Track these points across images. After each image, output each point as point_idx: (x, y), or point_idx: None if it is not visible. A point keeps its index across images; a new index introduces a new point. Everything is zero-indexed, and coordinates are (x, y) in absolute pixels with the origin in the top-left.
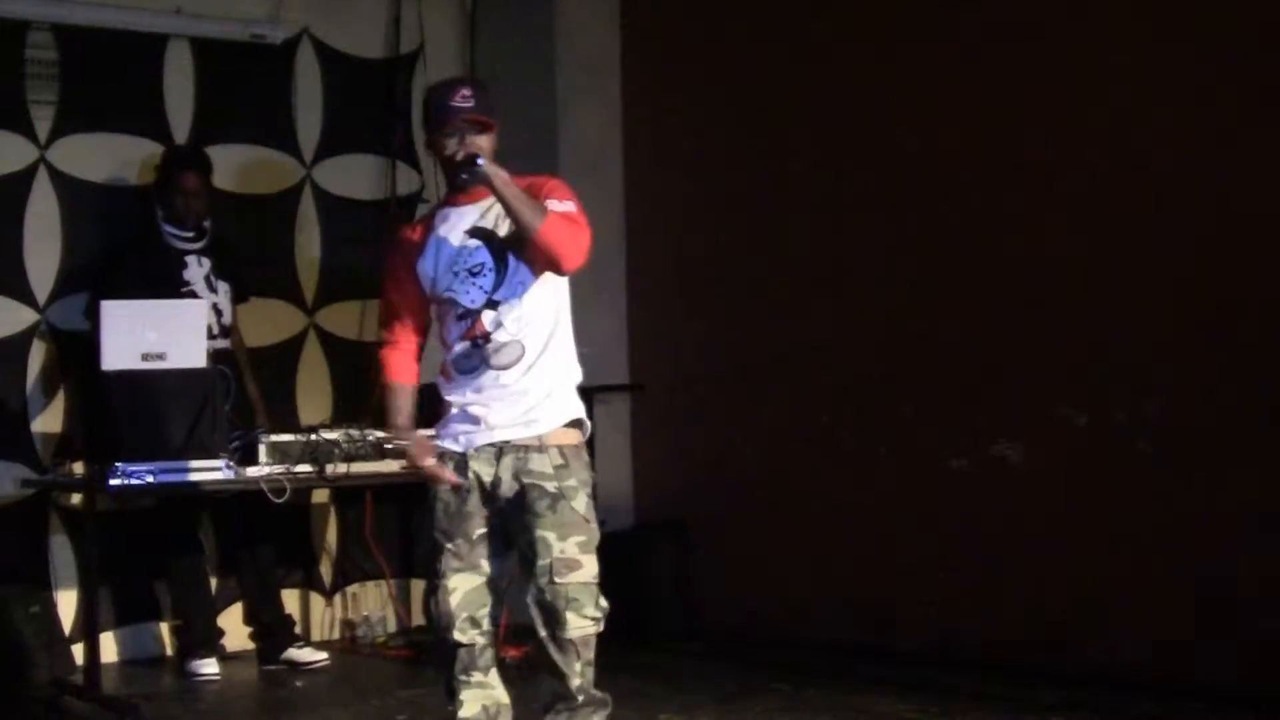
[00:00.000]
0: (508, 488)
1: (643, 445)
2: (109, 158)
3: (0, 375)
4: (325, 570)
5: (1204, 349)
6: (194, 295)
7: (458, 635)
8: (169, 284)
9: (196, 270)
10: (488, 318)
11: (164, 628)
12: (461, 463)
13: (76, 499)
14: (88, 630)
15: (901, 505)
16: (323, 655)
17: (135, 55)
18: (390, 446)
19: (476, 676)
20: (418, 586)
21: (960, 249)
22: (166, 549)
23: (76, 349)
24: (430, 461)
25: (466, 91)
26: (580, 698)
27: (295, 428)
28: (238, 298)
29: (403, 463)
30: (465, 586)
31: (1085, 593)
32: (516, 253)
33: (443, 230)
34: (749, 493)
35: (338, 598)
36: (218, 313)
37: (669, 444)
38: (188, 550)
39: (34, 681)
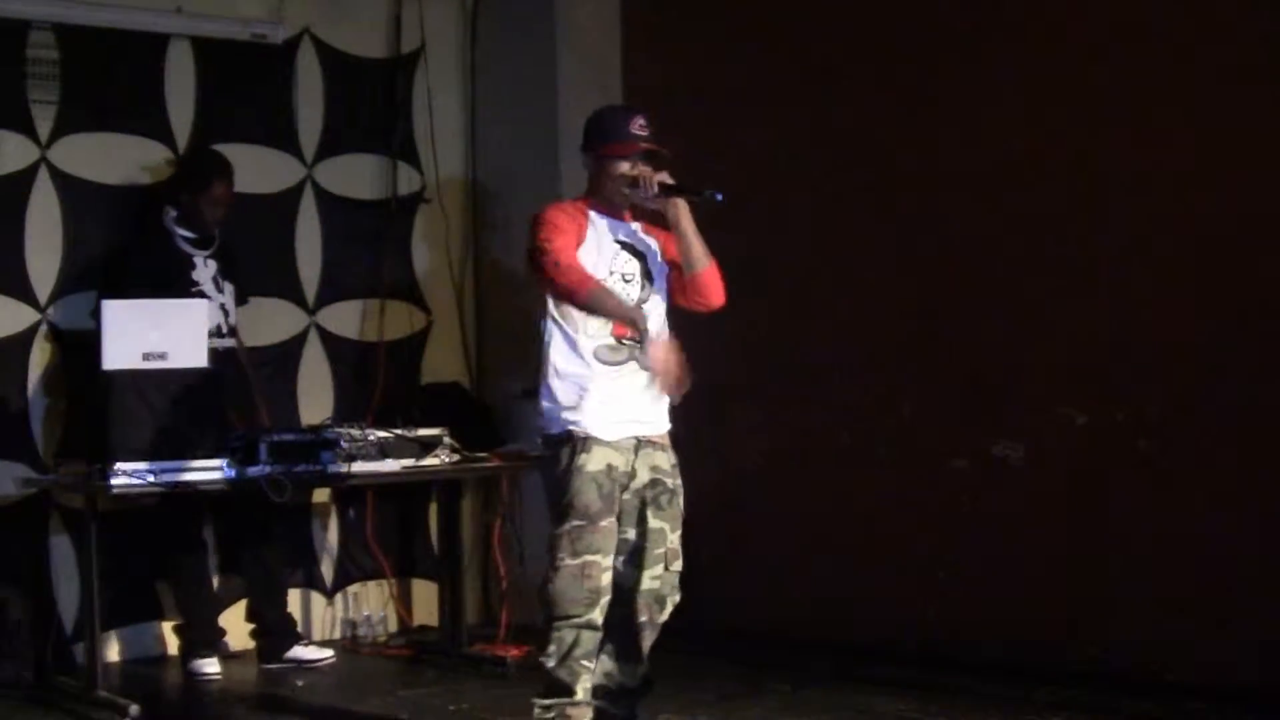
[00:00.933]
0: (642, 478)
1: None
2: (110, 157)
3: (1, 375)
4: (326, 570)
5: (1204, 349)
6: (203, 295)
7: (599, 615)
8: (178, 284)
9: (204, 271)
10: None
11: (165, 627)
12: (605, 448)
13: (77, 499)
14: (88, 630)
15: (901, 505)
16: (328, 653)
17: (136, 55)
18: (641, 331)
19: (593, 662)
20: (418, 586)
21: (961, 249)
22: (168, 548)
23: (78, 348)
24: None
25: (643, 121)
26: (643, 669)
27: (296, 427)
28: (242, 299)
29: (405, 463)
30: (613, 564)
31: (1085, 593)
32: (663, 272)
33: (602, 228)
34: (749, 493)
35: (338, 597)
36: (225, 312)
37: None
38: (190, 550)
39: (34, 681)
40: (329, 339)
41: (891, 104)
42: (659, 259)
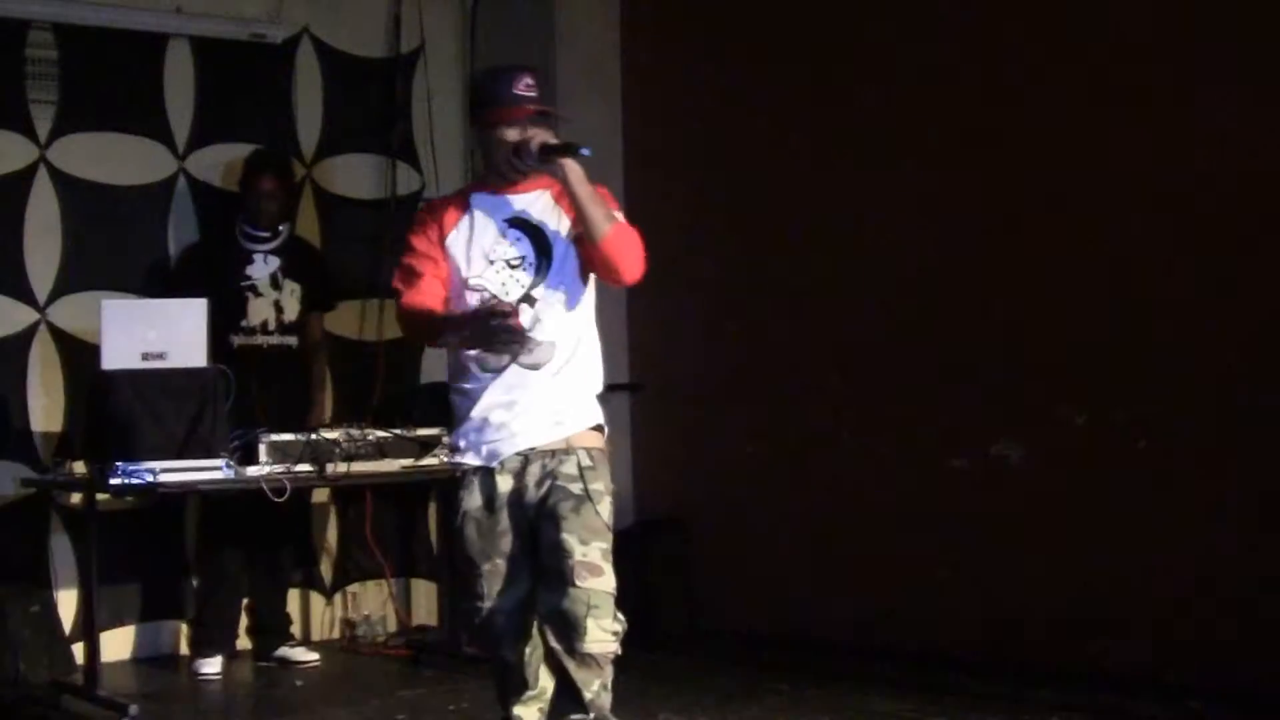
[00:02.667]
0: (533, 494)
1: (643, 445)
2: (109, 157)
3: (1, 375)
4: (325, 570)
5: (1204, 349)
6: (254, 290)
7: (508, 654)
8: (227, 277)
9: (262, 267)
10: (525, 315)
11: (171, 626)
12: (486, 477)
13: (77, 498)
14: (87, 630)
15: (901, 505)
16: (314, 656)
17: (136, 54)
18: (456, 337)
19: (528, 693)
20: (418, 586)
21: (960, 249)
22: (200, 545)
23: (77, 348)
24: (511, 317)
25: (530, 80)
26: (592, 714)
27: (295, 427)
28: (314, 304)
29: (404, 463)
30: (509, 606)
31: (1085, 593)
32: (564, 248)
33: (480, 214)
34: (749, 493)
35: (338, 597)
36: (278, 309)
37: (669, 444)
38: (222, 550)
39: (34, 681)
40: (328, 338)
41: (892, 103)
42: (563, 231)
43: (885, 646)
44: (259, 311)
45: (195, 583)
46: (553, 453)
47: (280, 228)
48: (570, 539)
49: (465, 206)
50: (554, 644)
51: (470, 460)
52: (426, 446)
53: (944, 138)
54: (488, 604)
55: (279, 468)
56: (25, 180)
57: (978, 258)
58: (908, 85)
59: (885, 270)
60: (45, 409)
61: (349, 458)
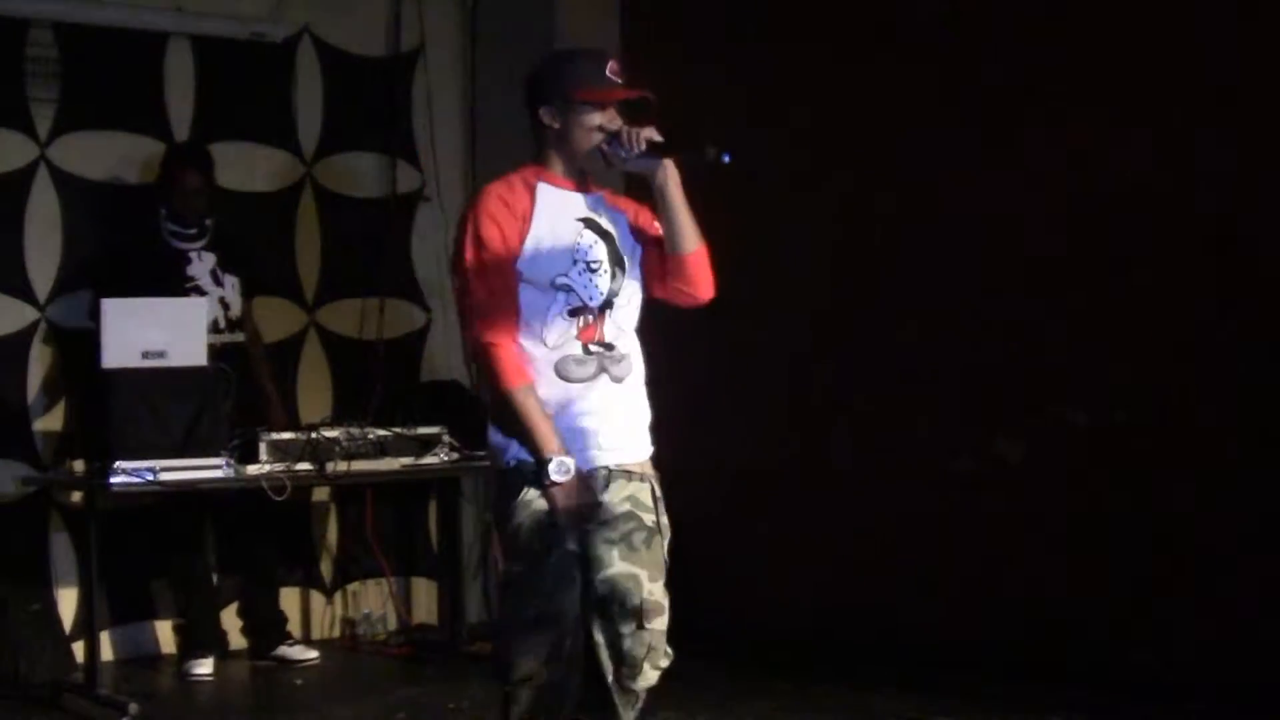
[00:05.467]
0: (611, 512)
1: None
2: (110, 156)
3: (1, 374)
4: (326, 568)
5: (1204, 348)
6: (199, 291)
7: (558, 669)
8: (172, 281)
9: (200, 266)
10: (608, 322)
11: (161, 626)
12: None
13: (77, 497)
14: (88, 629)
15: (901, 505)
16: (313, 654)
17: (136, 53)
18: (554, 471)
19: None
20: (418, 585)
21: (960, 248)
22: (167, 547)
23: (77, 347)
24: (592, 503)
25: (616, 65)
26: None
27: (295, 426)
28: (248, 292)
29: (404, 462)
30: (551, 618)
31: (1085, 593)
32: (637, 259)
33: (555, 206)
34: (749, 494)
35: (338, 596)
36: (224, 306)
37: (669, 445)
38: (190, 549)
39: (34, 681)
40: (328, 337)
41: (892, 104)
42: (630, 237)
43: (885, 646)
44: (207, 312)
45: (173, 585)
46: (629, 474)
47: (206, 222)
48: (641, 574)
49: (533, 198)
50: (610, 678)
51: (569, 460)
52: (427, 445)
53: (944, 137)
54: (551, 606)
55: (279, 466)
56: (25, 179)
57: (978, 257)
58: (908, 84)
59: (885, 270)
60: (46, 408)
61: (349, 456)
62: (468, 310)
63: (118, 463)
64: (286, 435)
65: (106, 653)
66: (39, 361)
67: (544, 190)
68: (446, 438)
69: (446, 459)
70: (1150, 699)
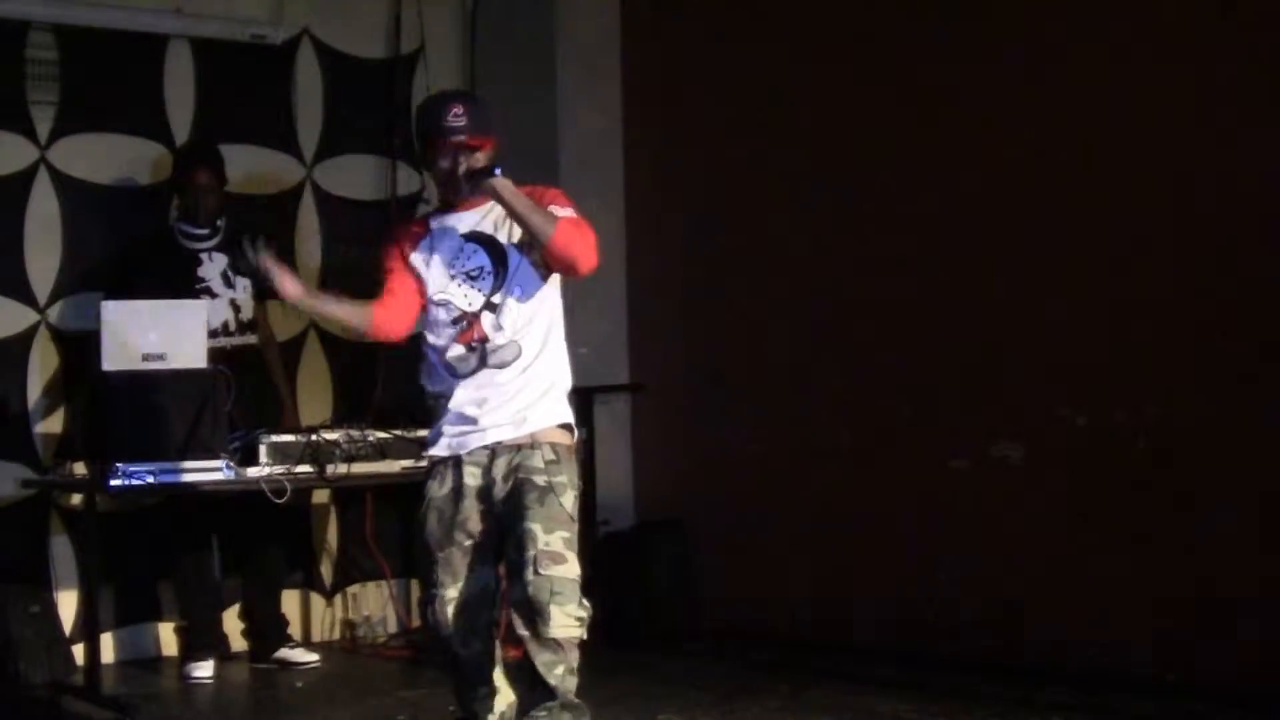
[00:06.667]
0: (500, 487)
1: (643, 445)
2: (109, 158)
3: (1, 375)
4: (325, 570)
5: (1203, 349)
6: (210, 293)
7: (457, 647)
8: (184, 282)
9: (211, 267)
10: (486, 320)
11: (162, 628)
12: (454, 468)
13: (77, 499)
14: (88, 630)
15: (901, 505)
16: (314, 656)
17: (136, 55)
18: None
19: (482, 690)
20: (418, 587)
21: (960, 248)
22: (170, 549)
23: (78, 350)
24: (289, 286)
25: (459, 109)
26: (558, 699)
27: (295, 428)
28: (261, 295)
29: (405, 463)
30: (462, 596)
31: (1085, 593)
32: (518, 256)
33: (439, 233)
34: (749, 493)
35: (338, 598)
36: (235, 308)
37: (669, 444)
38: (196, 551)
39: (34, 681)
40: (328, 340)
41: (892, 103)
42: (515, 239)
43: (886, 647)
44: (217, 313)
45: (175, 586)
46: (519, 447)
47: (218, 222)
48: (534, 527)
49: (426, 228)
50: (521, 630)
51: (440, 452)
52: (427, 447)
53: (945, 137)
54: (439, 591)
55: (279, 469)
56: (26, 181)
57: (978, 257)
58: (909, 84)
59: (885, 269)
60: (45, 409)
61: (349, 459)
62: None
63: (118, 465)
64: (287, 438)
65: (107, 655)
66: (39, 364)
67: (438, 219)
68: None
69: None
70: (1151, 699)
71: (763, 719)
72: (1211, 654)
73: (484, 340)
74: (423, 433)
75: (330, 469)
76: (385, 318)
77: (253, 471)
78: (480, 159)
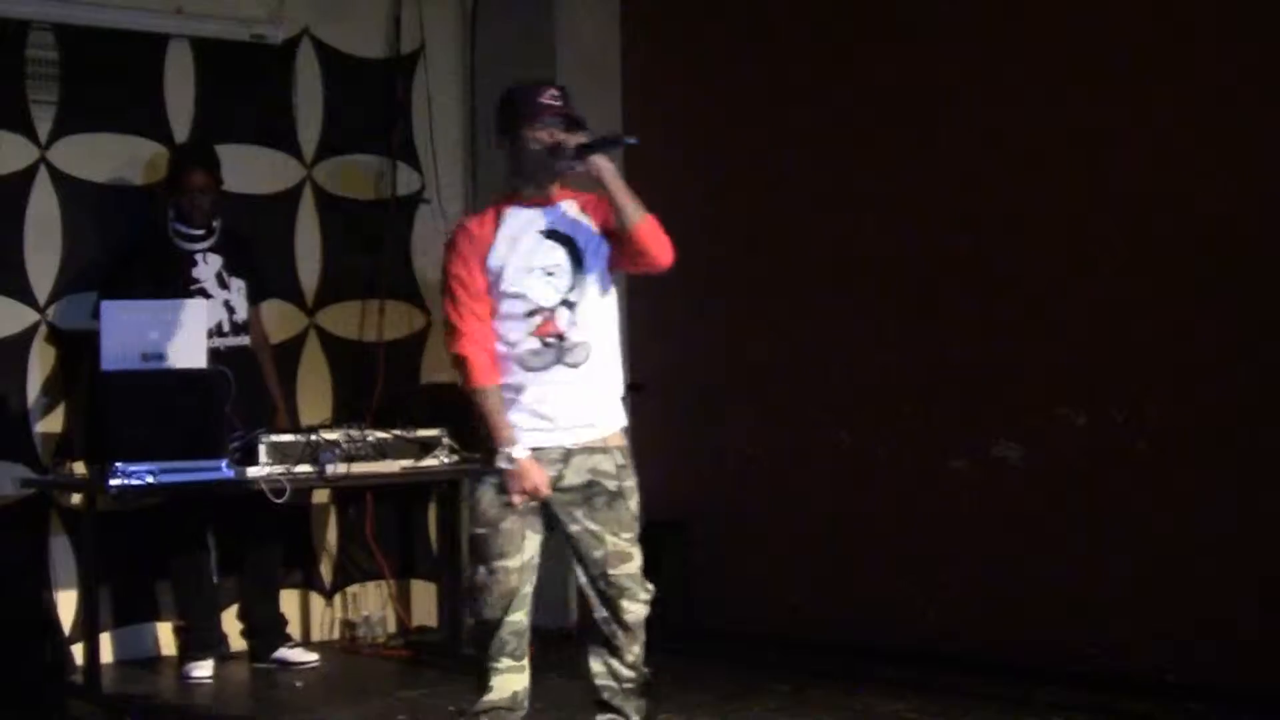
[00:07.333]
0: (572, 483)
1: (643, 445)
2: (110, 158)
3: (1, 375)
4: (325, 570)
5: (1204, 349)
6: (204, 294)
7: (511, 616)
8: (178, 283)
9: (205, 268)
10: (563, 317)
11: (161, 628)
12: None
13: (77, 499)
14: (88, 630)
15: (901, 505)
16: (314, 656)
17: (136, 55)
18: (501, 461)
19: (507, 662)
20: (417, 587)
21: (961, 248)
22: (168, 549)
23: (78, 349)
24: (540, 488)
25: (554, 91)
26: (633, 674)
27: (295, 428)
28: (254, 296)
29: (404, 464)
30: (520, 567)
31: (1085, 593)
32: (593, 258)
33: (514, 227)
34: (749, 493)
35: (338, 598)
36: (230, 309)
37: (669, 444)
38: (191, 551)
39: (34, 682)
40: (328, 339)
41: (892, 103)
42: (594, 236)
43: (885, 646)
44: (211, 315)
45: (173, 586)
46: (591, 450)
47: (214, 224)
48: (604, 531)
49: (498, 223)
50: (598, 612)
51: (519, 454)
52: (426, 448)
53: (945, 137)
54: (502, 562)
55: (279, 468)
56: (25, 181)
57: (978, 257)
58: (908, 84)
59: (886, 269)
60: (46, 409)
61: (349, 459)
62: (447, 328)
63: (117, 465)
64: (286, 437)
65: (106, 654)
66: (39, 363)
67: (509, 214)
68: (446, 440)
69: (446, 461)
70: (1150, 699)
71: (763, 719)
72: (1211, 654)
73: (560, 337)
74: (423, 432)
75: (330, 469)
76: (489, 339)
77: (252, 471)
78: (582, 136)
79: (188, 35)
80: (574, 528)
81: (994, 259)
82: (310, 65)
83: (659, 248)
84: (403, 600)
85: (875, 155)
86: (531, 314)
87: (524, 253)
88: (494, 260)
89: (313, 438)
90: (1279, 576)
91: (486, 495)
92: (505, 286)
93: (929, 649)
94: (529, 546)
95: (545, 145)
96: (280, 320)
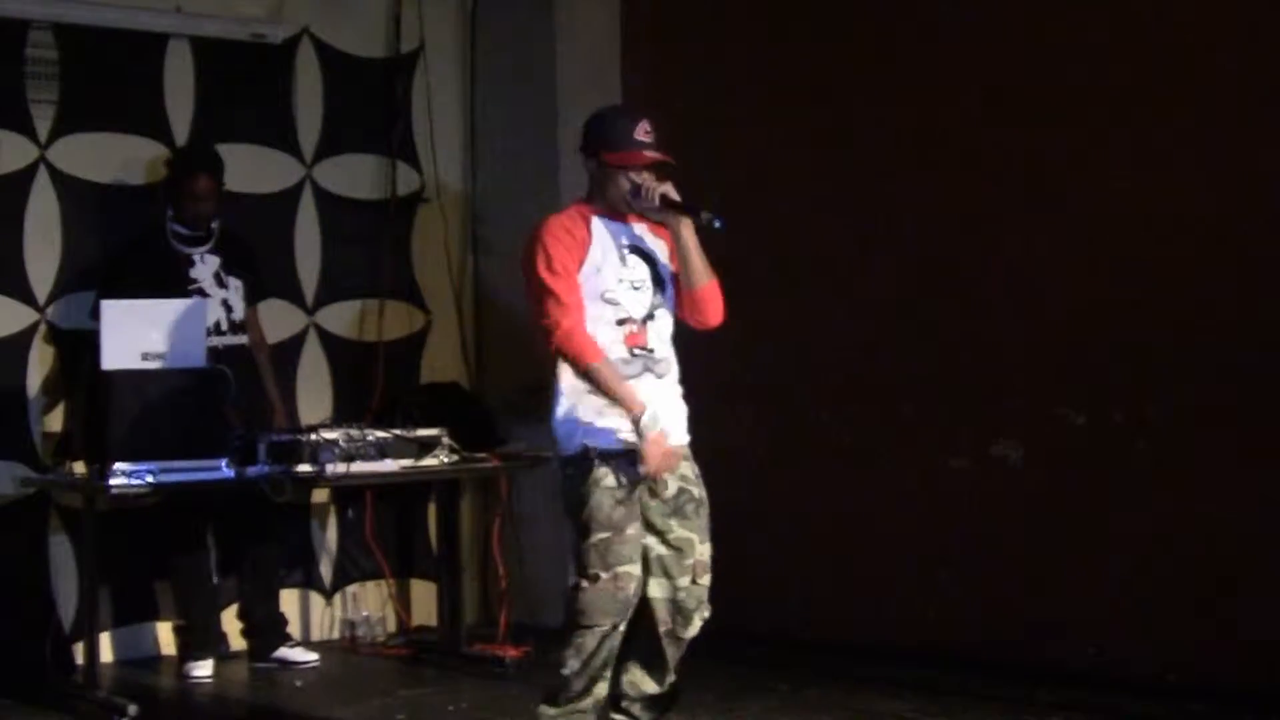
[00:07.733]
0: (668, 489)
1: None
2: (109, 157)
3: (0, 375)
4: (325, 570)
5: (1202, 349)
6: (202, 293)
7: (624, 625)
8: (176, 283)
9: (203, 269)
10: (649, 329)
11: (161, 627)
12: (624, 464)
13: (77, 499)
14: (88, 630)
15: (901, 505)
16: (314, 656)
17: (136, 54)
18: (645, 421)
19: (606, 671)
20: (417, 586)
21: (961, 248)
22: (168, 549)
23: (78, 348)
24: (676, 457)
25: (648, 126)
26: (661, 690)
27: (295, 428)
28: (252, 296)
29: (404, 464)
30: (640, 575)
31: (1085, 593)
32: (670, 281)
33: (604, 237)
34: (748, 493)
35: (337, 597)
36: (228, 308)
37: None
38: (191, 550)
39: (34, 682)
40: (328, 339)
41: (891, 104)
42: (667, 263)
43: (885, 646)
44: (210, 314)
45: (173, 586)
46: (679, 456)
47: (213, 225)
48: (694, 537)
49: (590, 225)
50: (664, 627)
51: (611, 445)
52: (426, 447)
53: (945, 137)
54: (629, 569)
55: (278, 468)
56: (25, 181)
57: (978, 257)
58: (908, 84)
59: (885, 269)
60: (45, 408)
61: (349, 458)
62: (546, 308)
63: (117, 464)
64: (286, 437)
65: (106, 654)
66: (39, 363)
67: (597, 222)
68: (446, 440)
69: (446, 461)
70: (1150, 699)
71: (763, 719)
72: (1211, 654)
73: (647, 349)
74: (423, 432)
75: (329, 468)
76: (594, 341)
77: (252, 471)
78: (671, 189)
79: (187, 35)
80: (670, 536)
81: (994, 259)
82: (310, 65)
83: (714, 310)
84: (402, 600)
85: (876, 154)
86: (622, 323)
87: (614, 262)
88: (590, 264)
89: (312, 437)
90: (1279, 577)
91: (606, 500)
92: (602, 291)
93: (929, 649)
94: (640, 555)
95: (632, 182)
96: (280, 320)
